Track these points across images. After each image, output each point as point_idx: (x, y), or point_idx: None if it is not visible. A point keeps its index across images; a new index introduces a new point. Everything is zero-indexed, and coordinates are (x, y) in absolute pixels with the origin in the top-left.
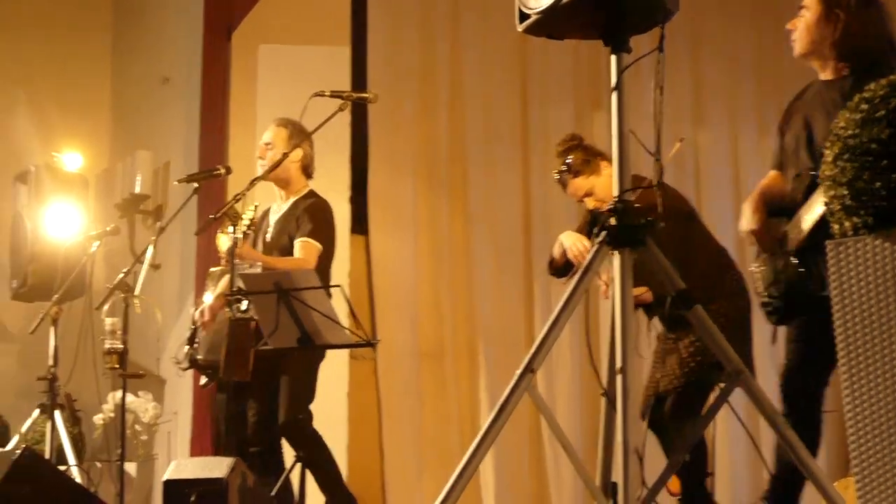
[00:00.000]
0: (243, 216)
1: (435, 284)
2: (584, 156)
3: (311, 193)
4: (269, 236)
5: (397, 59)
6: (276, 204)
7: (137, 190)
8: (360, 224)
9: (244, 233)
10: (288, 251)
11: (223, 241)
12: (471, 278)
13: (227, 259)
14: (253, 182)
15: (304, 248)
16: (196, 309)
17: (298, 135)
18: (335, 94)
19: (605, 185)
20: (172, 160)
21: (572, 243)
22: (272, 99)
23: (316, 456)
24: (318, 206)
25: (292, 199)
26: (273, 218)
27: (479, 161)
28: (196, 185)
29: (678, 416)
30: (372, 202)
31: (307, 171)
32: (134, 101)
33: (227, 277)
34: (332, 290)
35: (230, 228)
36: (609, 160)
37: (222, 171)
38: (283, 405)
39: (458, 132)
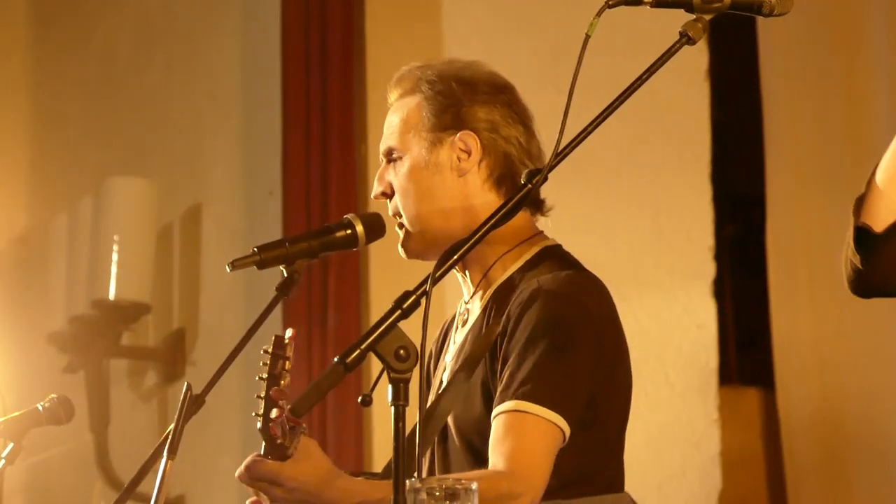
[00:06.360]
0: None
1: None
2: None
3: (543, 256)
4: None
5: None
6: (463, 301)
7: (112, 292)
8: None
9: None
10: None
11: None
12: None
13: None
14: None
15: (516, 437)
16: None
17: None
18: None
19: None
20: (206, 199)
21: None
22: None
23: None
24: (559, 300)
25: (499, 279)
26: (457, 339)
27: None
28: (285, 271)
29: None
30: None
31: (532, 201)
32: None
33: None
34: None
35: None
36: None
37: (358, 226)
38: None
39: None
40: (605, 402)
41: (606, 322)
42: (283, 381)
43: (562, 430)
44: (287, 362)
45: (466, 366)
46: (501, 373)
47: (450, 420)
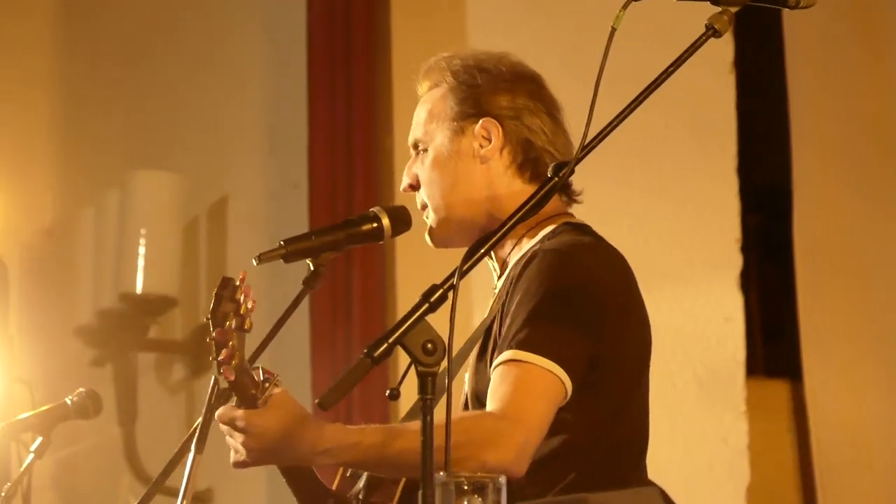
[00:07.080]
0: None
1: None
2: None
3: (562, 229)
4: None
5: None
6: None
7: (139, 286)
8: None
9: None
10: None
11: None
12: None
13: None
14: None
15: (510, 383)
16: None
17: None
18: None
19: None
20: (233, 192)
21: None
22: None
23: None
24: (558, 258)
25: (515, 257)
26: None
27: None
28: (311, 265)
29: None
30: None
31: (562, 189)
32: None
33: None
34: None
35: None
36: None
37: (384, 219)
38: None
39: None
40: (611, 366)
41: (612, 285)
42: (228, 323)
43: (560, 379)
44: (240, 306)
45: (476, 337)
46: (507, 328)
47: (468, 393)
